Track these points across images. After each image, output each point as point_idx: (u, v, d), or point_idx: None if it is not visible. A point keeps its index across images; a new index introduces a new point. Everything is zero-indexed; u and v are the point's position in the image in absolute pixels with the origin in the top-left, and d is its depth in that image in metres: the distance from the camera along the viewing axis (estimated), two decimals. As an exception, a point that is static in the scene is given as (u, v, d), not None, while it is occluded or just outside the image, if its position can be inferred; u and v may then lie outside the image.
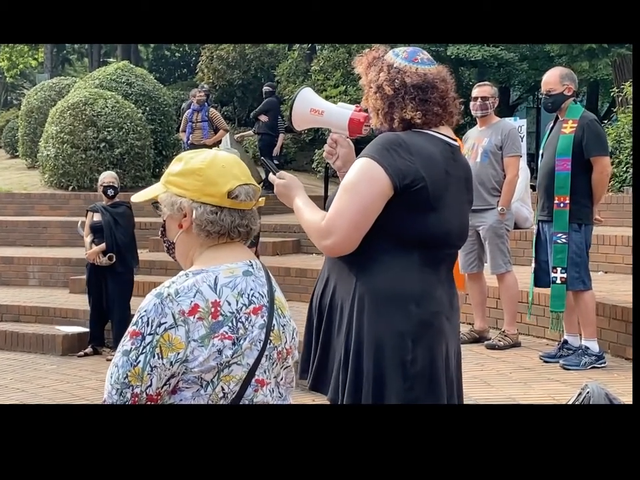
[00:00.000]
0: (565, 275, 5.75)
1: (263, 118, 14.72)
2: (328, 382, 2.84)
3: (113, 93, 15.02)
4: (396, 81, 2.79)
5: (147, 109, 15.91)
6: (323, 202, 3.00)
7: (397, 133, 2.78)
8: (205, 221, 2.14)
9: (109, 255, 8.61)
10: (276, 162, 13.93)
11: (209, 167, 2.16)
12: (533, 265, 6.14)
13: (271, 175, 3.02)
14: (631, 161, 10.72)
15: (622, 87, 12.69)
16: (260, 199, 2.23)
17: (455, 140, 2.91)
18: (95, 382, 7.53)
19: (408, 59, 2.84)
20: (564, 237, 5.74)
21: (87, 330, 8.95)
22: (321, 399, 6.72)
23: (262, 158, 3.68)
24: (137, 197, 2.30)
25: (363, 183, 2.70)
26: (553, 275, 5.80)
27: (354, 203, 2.69)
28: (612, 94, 13.98)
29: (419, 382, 2.71)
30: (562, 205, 5.74)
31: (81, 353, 8.79)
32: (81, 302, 9.47)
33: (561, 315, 5.90)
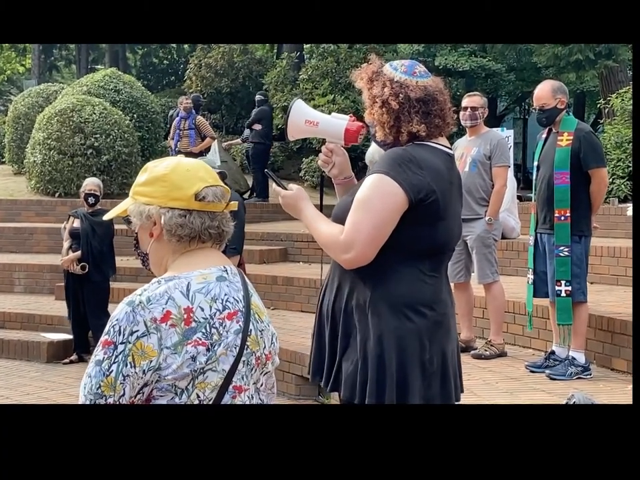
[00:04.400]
0: (569, 288, 5.73)
1: (257, 126, 14.79)
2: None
3: (101, 100, 15.01)
4: (400, 95, 2.87)
5: (135, 116, 15.90)
6: (319, 210, 3.06)
7: (405, 148, 2.87)
8: (175, 225, 2.13)
9: (81, 264, 8.56)
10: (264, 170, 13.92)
11: (173, 172, 2.16)
12: (530, 276, 6.12)
13: (276, 186, 3.04)
14: (617, 173, 10.78)
15: (608, 98, 12.75)
16: (232, 202, 2.22)
17: (451, 149, 3.02)
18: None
19: (407, 73, 2.92)
20: (566, 249, 5.73)
21: (72, 337, 8.92)
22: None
23: (266, 170, 3.70)
24: (108, 215, 2.32)
25: (379, 198, 2.79)
26: (557, 288, 5.77)
27: (371, 218, 2.79)
28: (598, 105, 14.04)
29: (435, 379, 2.89)
30: (563, 218, 5.74)
31: (66, 360, 8.77)
32: (66, 309, 9.41)
33: (569, 328, 5.85)
